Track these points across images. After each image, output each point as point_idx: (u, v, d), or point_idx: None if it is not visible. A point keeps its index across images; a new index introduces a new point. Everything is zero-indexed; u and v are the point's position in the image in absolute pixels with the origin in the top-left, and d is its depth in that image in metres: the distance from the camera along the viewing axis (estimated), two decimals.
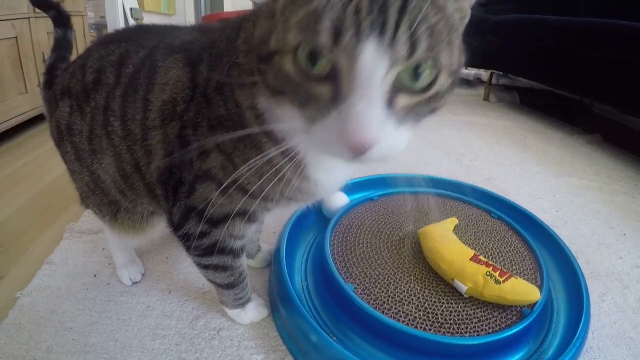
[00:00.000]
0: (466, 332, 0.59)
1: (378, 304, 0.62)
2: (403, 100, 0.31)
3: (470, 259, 0.66)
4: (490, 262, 0.65)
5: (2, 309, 0.68)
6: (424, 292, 0.65)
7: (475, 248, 0.73)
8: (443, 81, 0.32)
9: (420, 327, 0.59)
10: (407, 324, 0.59)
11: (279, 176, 0.42)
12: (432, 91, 0.31)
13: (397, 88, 0.30)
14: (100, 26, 2.52)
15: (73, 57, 0.67)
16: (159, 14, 3.50)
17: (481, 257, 0.67)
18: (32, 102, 1.48)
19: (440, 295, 0.65)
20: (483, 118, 1.96)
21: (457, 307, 0.62)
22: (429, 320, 0.60)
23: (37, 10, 1.46)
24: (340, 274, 0.67)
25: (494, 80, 2.43)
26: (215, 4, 4.55)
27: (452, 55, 0.31)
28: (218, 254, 0.54)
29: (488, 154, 1.49)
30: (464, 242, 0.72)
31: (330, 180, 0.48)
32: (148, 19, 2.90)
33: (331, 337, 0.57)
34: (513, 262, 0.73)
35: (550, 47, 1.75)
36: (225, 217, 0.50)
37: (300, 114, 0.32)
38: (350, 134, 0.29)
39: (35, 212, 0.99)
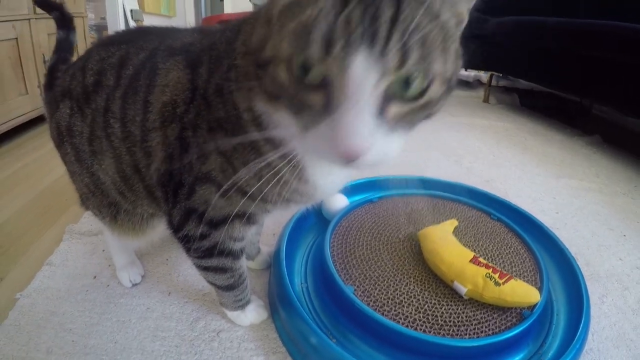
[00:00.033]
0: (466, 334, 0.58)
1: (378, 305, 0.62)
2: (395, 108, 0.31)
3: (470, 261, 0.66)
4: (490, 264, 0.65)
5: (1, 310, 0.68)
6: (424, 294, 0.65)
7: (475, 250, 0.73)
8: (436, 89, 0.31)
9: (420, 329, 0.59)
10: (407, 326, 0.59)
11: (277, 178, 0.43)
12: (425, 99, 0.31)
13: (388, 97, 0.30)
14: (100, 28, 2.53)
15: (74, 58, 0.68)
16: (159, 16, 3.51)
17: (481, 259, 0.67)
18: (32, 103, 1.48)
19: (440, 297, 0.65)
20: (483, 120, 1.96)
21: (457, 309, 0.62)
22: (429, 322, 0.60)
23: (38, 11, 1.46)
24: (340, 275, 0.67)
25: (493, 82, 2.43)
26: (215, 6, 4.57)
27: (447, 62, 0.31)
28: (218, 255, 0.55)
29: (488, 156, 1.49)
30: (463, 244, 0.72)
31: (329, 182, 0.48)
32: (148, 21, 2.91)
33: (331, 339, 0.57)
34: (513, 264, 0.73)
35: (550, 49, 1.76)
36: (225, 219, 0.50)
37: (295, 121, 0.33)
38: (340, 142, 0.29)
39: (35, 213, 0.99)
